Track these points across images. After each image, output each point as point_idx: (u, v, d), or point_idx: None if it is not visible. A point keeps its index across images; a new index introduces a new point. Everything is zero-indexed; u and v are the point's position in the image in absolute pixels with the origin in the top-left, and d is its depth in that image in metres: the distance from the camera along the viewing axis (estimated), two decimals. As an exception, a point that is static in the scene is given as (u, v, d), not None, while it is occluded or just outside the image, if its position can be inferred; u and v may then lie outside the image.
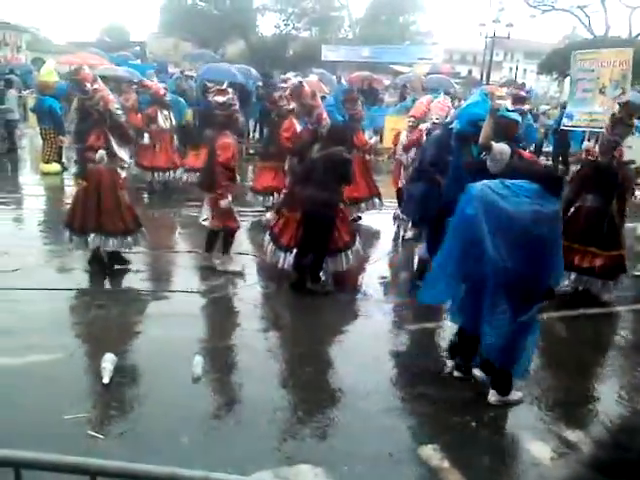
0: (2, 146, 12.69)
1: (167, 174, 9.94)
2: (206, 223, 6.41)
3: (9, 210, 8.93)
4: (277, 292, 6.04)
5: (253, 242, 7.64)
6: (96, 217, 5.95)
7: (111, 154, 5.90)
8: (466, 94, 16.70)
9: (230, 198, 6.15)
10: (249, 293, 5.93)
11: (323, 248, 5.88)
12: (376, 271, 6.90)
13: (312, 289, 5.88)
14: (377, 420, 3.77)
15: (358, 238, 6.41)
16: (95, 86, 5.89)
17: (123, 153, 6.08)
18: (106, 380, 3.96)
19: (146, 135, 9.57)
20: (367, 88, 18.25)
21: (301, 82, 7.09)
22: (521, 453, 3.59)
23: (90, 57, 15.45)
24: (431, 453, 3.42)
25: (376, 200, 8.74)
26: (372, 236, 8.40)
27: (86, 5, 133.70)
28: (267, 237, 6.33)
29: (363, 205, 8.66)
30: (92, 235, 5.98)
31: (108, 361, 4.12)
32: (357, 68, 28.21)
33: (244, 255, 7.04)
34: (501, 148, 5.06)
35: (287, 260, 6.08)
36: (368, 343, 4.98)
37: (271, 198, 8.34)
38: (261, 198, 8.55)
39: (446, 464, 3.33)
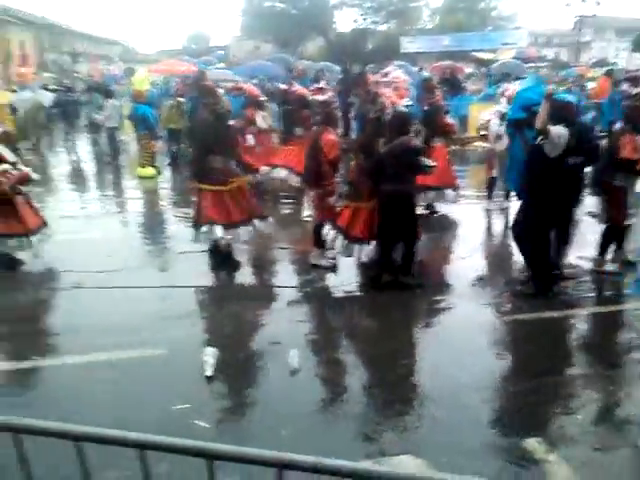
0: (110, 157, 13.48)
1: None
2: (310, 219, 6.48)
3: (111, 213, 9.45)
4: (365, 287, 6.06)
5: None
6: (231, 212, 6.23)
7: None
8: (553, 78, 16.05)
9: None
10: (340, 288, 5.99)
11: (413, 238, 5.82)
12: (465, 264, 6.77)
13: (405, 282, 5.82)
14: (477, 412, 3.72)
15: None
16: (221, 91, 6.23)
17: None
18: (209, 373, 4.13)
19: (249, 136, 9.74)
20: (449, 77, 17.97)
21: (364, 70, 7.16)
22: (629, 447, 3.43)
23: (178, 64, 16.05)
24: (535, 446, 3.34)
25: (448, 191, 8.27)
26: (461, 228, 8.24)
27: (171, 15, 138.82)
28: (332, 231, 6.15)
29: (432, 194, 8.23)
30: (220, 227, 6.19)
31: (210, 354, 4.29)
32: (438, 58, 27.76)
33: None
34: (558, 131, 4.99)
35: (362, 252, 6.04)
36: (462, 336, 4.91)
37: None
38: None
39: (552, 457, 3.24)
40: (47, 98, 15.11)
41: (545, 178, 5.20)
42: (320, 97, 6.37)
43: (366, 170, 5.89)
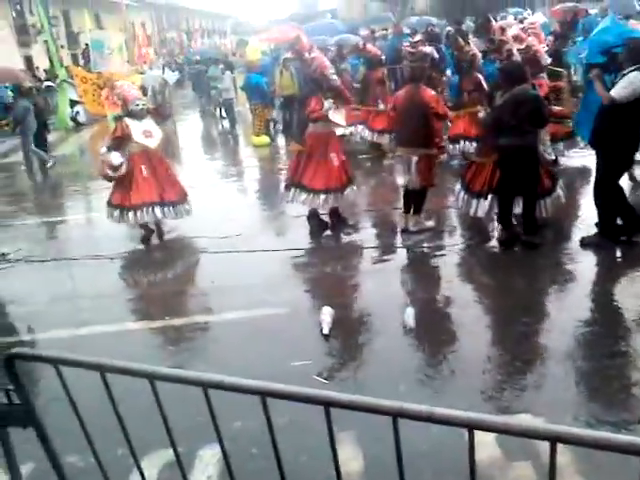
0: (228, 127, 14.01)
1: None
2: (407, 186, 6.25)
3: (231, 182, 9.85)
4: (480, 244, 5.90)
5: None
6: (309, 176, 6.33)
7: (326, 118, 6.17)
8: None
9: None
10: (452, 247, 5.89)
11: (532, 194, 5.54)
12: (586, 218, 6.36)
13: (527, 241, 5.57)
14: (602, 372, 3.55)
15: (560, 183, 5.99)
16: (313, 54, 6.21)
17: (338, 117, 6.34)
18: (326, 331, 4.25)
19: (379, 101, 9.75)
20: (571, 20, 16.71)
21: (488, 16, 6.75)
22: None
23: (288, 30, 16.11)
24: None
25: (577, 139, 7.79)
26: (583, 178, 7.71)
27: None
28: (458, 186, 6.20)
29: (561, 145, 7.85)
30: (292, 189, 6.42)
31: (327, 313, 4.41)
32: (558, 1, 25.78)
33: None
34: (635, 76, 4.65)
35: (481, 207, 5.91)
36: (583, 294, 4.68)
37: (457, 146, 8.31)
38: (451, 147, 8.40)
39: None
40: (171, 77, 15.96)
41: (622, 125, 4.87)
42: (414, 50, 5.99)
43: (486, 123, 5.71)
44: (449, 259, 5.63)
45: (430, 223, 6.36)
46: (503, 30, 5.98)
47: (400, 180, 6.45)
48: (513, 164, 5.40)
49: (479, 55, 7.97)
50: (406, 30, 14.75)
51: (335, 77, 6.28)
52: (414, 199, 6.25)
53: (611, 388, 3.40)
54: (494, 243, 5.83)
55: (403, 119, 6.03)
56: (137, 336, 4.66)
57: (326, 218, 6.68)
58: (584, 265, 5.22)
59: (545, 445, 1.20)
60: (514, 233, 5.66)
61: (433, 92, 6.06)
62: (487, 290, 5.09)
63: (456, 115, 8.38)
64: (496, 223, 5.87)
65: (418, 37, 6.76)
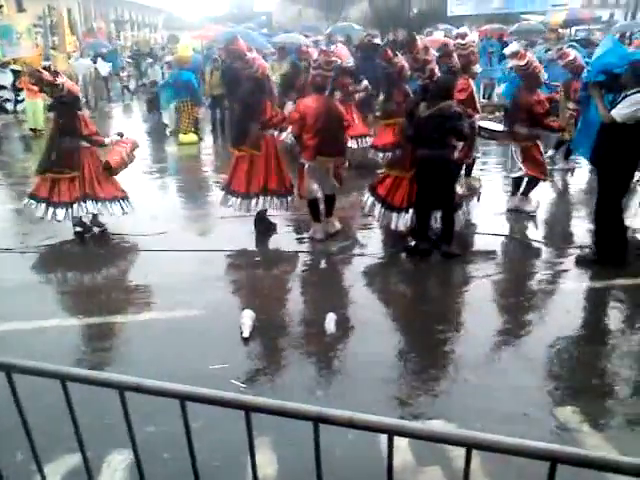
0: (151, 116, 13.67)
1: None
2: (318, 195, 6.26)
3: (155, 179, 9.61)
4: (397, 252, 6.01)
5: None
6: (263, 180, 6.27)
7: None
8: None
9: None
10: (372, 254, 5.97)
11: (449, 206, 5.72)
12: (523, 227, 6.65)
13: (447, 251, 5.71)
14: (511, 379, 3.70)
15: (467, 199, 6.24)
16: (252, 55, 6.10)
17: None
18: (246, 334, 4.21)
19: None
20: (497, 41, 17.47)
21: (414, 34, 6.92)
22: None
23: (220, 29, 16.00)
24: (569, 415, 3.31)
25: None
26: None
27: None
28: (370, 199, 6.19)
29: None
30: (258, 197, 6.31)
31: (247, 317, 4.37)
32: (486, 21, 26.85)
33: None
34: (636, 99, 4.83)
35: (402, 220, 5.97)
36: (500, 302, 4.88)
37: (387, 154, 8.40)
38: (381, 155, 8.55)
39: (585, 427, 3.21)
40: (104, 68, 15.46)
41: (622, 145, 5.06)
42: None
43: (406, 136, 5.80)
44: (369, 266, 5.72)
45: (338, 226, 6.48)
46: (427, 49, 6.12)
47: (311, 190, 6.22)
48: (432, 176, 5.54)
49: (407, 66, 8.19)
50: (340, 38, 14.95)
51: (273, 79, 6.30)
52: (329, 203, 6.38)
53: (522, 397, 3.54)
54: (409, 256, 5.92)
55: (320, 129, 5.99)
56: (50, 335, 4.44)
57: (273, 220, 6.67)
58: (503, 276, 5.43)
59: (456, 450, 1.23)
60: (430, 243, 5.81)
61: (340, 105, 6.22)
62: (404, 298, 5.21)
63: (386, 124, 8.55)
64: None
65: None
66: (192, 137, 11.89)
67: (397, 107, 8.22)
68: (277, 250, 6.28)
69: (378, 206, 6.11)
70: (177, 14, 60.52)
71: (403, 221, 5.98)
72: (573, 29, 24.87)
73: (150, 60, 15.41)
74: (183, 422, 1.50)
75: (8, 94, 16.15)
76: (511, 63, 6.98)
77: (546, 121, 6.71)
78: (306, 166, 6.07)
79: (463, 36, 7.78)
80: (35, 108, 13.50)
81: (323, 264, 5.88)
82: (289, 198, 6.44)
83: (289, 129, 7.33)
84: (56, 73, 6.53)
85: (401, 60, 8.30)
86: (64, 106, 6.21)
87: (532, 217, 6.94)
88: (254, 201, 6.33)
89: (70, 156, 6.22)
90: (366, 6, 40.74)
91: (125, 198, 6.54)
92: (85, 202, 6.27)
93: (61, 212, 6.24)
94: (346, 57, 9.38)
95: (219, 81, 12.26)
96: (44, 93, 7.53)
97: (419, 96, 5.95)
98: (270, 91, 6.35)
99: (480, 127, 7.10)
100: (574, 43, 11.74)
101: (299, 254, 6.06)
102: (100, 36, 27.35)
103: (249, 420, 1.42)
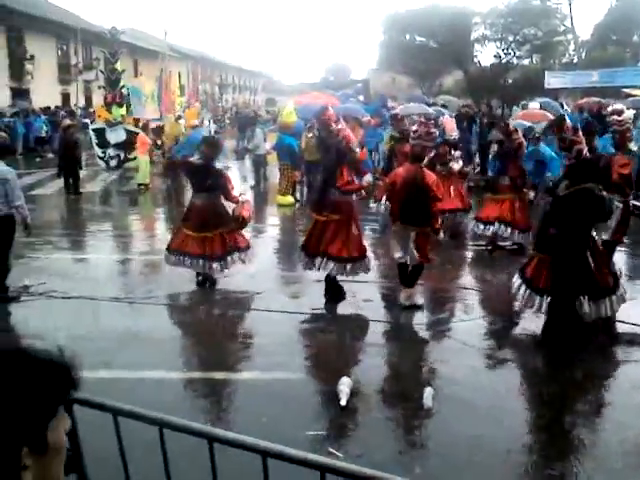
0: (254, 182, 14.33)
1: None
2: (404, 260, 6.36)
3: (253, 237, 9.98)
4: (503, 329, 5.93)
5: (476, 276, 7.64)
6: (327, 243, 6.43)
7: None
8: None
9: None
10: (471, 328, 5.92)
11: (566, 293, 5.42)
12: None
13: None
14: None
15: (621, 282, 5.81)
16: (339, 126, 6.41)
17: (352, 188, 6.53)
18: (343, 402, 4.25)
19: None
20: (596, 114, 17.19)
21: (563, 115, 6.95)
22: None
23: (320, 96, 16.71)
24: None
25: None
26: None
27: (312, 47, 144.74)
28: (518, 279, 5.88)
29: None
30: (319, 258, 6.50)
31: (345, 384, 4.42)
32: (583, 94, 26.54)
33: (468, 289, 7.04)
34: None
35: (545, 304, 5.59)
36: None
37: (491, 228, 8.36)
38: (482, 227, 8.56)
39: None
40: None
41: None
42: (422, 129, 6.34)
43: (545, 213, 5.77)
44: (464, 340, 5.65)
45: (420, 301, 6.45)
46: (576, 130, 6.05)
47: (397, 254, 6.41)
48: (561, 257, 5.36)
49: (525, 144, 8.30)
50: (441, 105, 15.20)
51: (358, 151, 6.50)
52: (411, 273, 6.39)
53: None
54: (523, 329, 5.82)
55: (404, 198, 6.18)
56: (151, 385, 4.67)
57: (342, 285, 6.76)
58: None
59: None
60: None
61: (434, 176, 6.29)
62: (509, 374, 5.09)
63: (494, 198, 8.58)
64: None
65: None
66: (289, 199, 12.34)
67: (510, 183, 8.26)
68: (365, 318, 6.29)
69: (523, 287, 5.79)
70: (276, 78, 63.75)
71: (545, 304, 5.59)
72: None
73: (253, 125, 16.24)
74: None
75: (117, 151, 17.41)
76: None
77: None
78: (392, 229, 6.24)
79: (619, 112, 7.90)
80: (144, 165, 14.50)
81: (415, 334, 5.89)
82: (351, 264, 6.41)
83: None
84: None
85: (520, 137, 8.41)
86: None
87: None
88: (317, 262, 6.51)
89: (205, 214, 6.79)
90: (460, 75, 41.30)
91: (247, 248, 6.99)
92: (206, 260, 6.75)
93: (187, 261, 6.79)
94: (452, 130, 9.56)
95: (314, 147, 12.72)
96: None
97: (563, 176, 5.83)
98: (352, 160, 6.46)
99: (634, 206, 6.99)
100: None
101: (383, 323, 6.08)
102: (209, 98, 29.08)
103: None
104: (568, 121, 6.20)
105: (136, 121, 16.98)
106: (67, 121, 15.81)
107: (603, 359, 5.36)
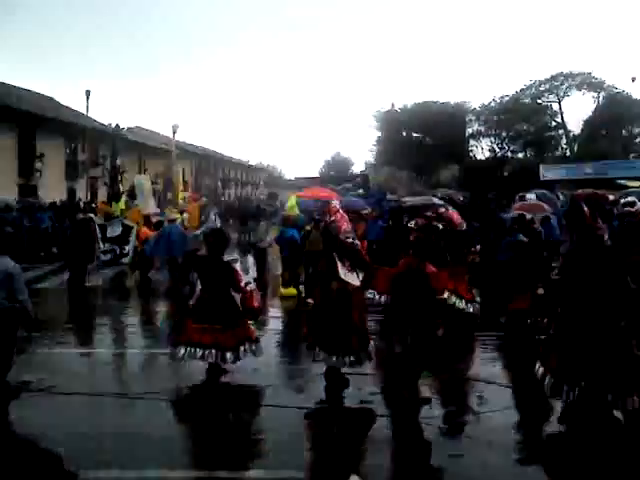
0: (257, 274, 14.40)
1: None
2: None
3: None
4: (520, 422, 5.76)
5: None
6: (326, 334, 6.43)
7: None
8: None
9: None
10: (485, 421, 5.76)
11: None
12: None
13: None
14: None
15: None
16: (334, 217, 6.64)
17: (351, 276, 6.50)
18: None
19: None
20: (593, 204, 17.57)
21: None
22: None
23: (321, 191, 17.19)
24: None
25: None
26: None
27: (311, 141, 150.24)
28: (541, 368, 5.70)
29: None
30: (321, 352, 6.49)
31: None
32: (577, 186, 27.22)
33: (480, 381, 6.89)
34: None
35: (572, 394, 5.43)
36: None
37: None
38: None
39: None
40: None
41: None
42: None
43: None
44: (479, 434, 5.50)
45: (427, 393, 6.20)
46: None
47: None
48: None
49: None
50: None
51: (350, 240, 6.59)
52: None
53: None
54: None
55: (401, 293, 6.20)
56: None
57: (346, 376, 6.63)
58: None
59: None
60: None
61: (434, 269, 6.28)
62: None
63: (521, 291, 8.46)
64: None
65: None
66: (292, 290, 12.38)
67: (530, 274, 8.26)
68: (371, 412, 6.14)
69: (547, 377, 5.61)
70: (277, 173, 65.65)
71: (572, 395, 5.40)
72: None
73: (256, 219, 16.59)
74: None
75: (112, 246, 17.27)
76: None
77: None
78: None
79: (632, 204, 8.17)
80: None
81: (424, 430, 5.71)
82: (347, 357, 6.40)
83: None
84: None
85: (538, 227, 8.59)
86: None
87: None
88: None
89: (215, 306, 6.80)
90: (456, 168, 42.53)
91: (257, 340, 6.98)
92: (219, 350, 6.70)
93: (199, 353, 6.72)
94: (458, 221, 9.67)
95: (317, 240, 12.89)
96: None
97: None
98: (343, 250, 6.53)
99: None
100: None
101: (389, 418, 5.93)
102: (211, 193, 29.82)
103: None
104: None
105: (145, 217, 17.06)
106: (80, 215, 16.11)
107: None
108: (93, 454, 4.97)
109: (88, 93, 21.41)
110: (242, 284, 7.01)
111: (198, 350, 6.73)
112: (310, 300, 6.75)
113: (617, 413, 5.39)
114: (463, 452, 5.15)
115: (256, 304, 6.94)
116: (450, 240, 9.41)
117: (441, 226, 7.20)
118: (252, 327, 7.12)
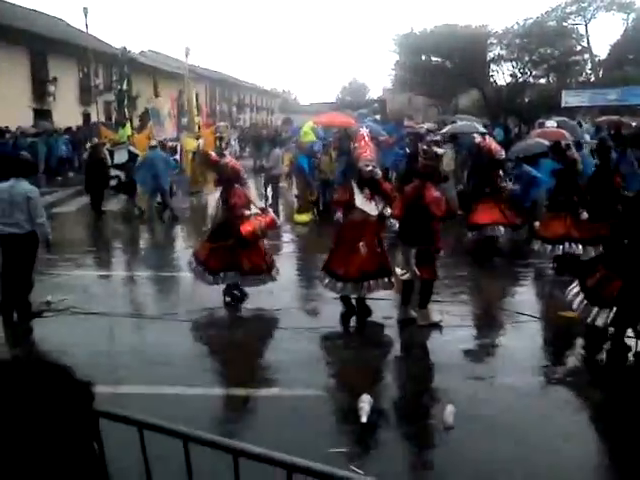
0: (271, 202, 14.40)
1: None
2: (406, 277, 6.34)
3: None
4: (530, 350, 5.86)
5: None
6: (337, 263, 6.52)
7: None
8: None
9: None
10: (498, 347, 5.87)
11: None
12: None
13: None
14: None
15: None
16: (357, 144, 6.63)
17: (368, 206, 6.46)
18: (364, 419, 4.23)
19: None
20: (614, 132, 17.11)
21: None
22: None
23: (339, 116, 16.81)
24: None
25: None
26: None
27: (328, 66, 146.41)
28: (576, 288, 5.72)
29: None
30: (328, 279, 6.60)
31: (365, 402, 4.39)
32: (601, 112, 26.43)
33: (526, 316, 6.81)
34: None
35: (601, 316, 5.44)
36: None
37: (560, 247, 8.29)
38: (550, 247, 8.45)
39: None
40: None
41: None
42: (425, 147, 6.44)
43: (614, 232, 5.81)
44: (485, 357, 5.62)
45: (438, 318, 6.33)
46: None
47: (399, 271, 6.40)
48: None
49: (579, 159, 8.31)
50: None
51: (369, 169, 6.43)
52: (420, 293, 6.32)
53: None
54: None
55: (404, 216, 6.30)
56: (171, 401, 4.67)
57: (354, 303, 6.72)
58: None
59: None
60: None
61: (436, 194, 6.19)
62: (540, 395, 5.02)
63: (554, 215, 8.45)
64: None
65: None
66: (306, 217, 12.43)
67: (565, 199, 8.25)
68: (386, 335, 6.29)
69: (581, 297, 5.62)
70: (292, 98, 64.43)
71: (602, 318, 5.42)
72: None
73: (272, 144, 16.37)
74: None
75: (117, 172, 17.12)
76: None
77: None
78: None
79: None
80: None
81: (431, 350, 5.84)
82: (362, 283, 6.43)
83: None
84: (221, 154, 7.30)
85: (574, 154, 8.43)
86: (227, 182, 6.95)
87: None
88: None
89: (224, 226, 6.87)
90: (476, 94, 41.34)
91: (268, 270, 6.99)
92: (228, 272, 6.83)
93: (209, 278, 6.89)
94: (496, 149, 9.58)
95: (328, 166, 12.81)
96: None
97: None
98: (363, 178, 6.49)
99: None
100: None
101: (402, 340, 6.06)
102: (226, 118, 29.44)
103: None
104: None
105: (162, 143, 16.76)
106: (95, 140, 16.03)
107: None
108: (113, 371, 5.15)
109: (86, 11, 20.25)
110: (241, 209, 6.85)
111: (220, 274, 6.88)
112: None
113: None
114: (474, 376, 5.25)
115: (246, 229, 6.71)
116: (488, 169, 9.44)
117: (440, 152, 6.92)
118: (268, 252, 7.14)
